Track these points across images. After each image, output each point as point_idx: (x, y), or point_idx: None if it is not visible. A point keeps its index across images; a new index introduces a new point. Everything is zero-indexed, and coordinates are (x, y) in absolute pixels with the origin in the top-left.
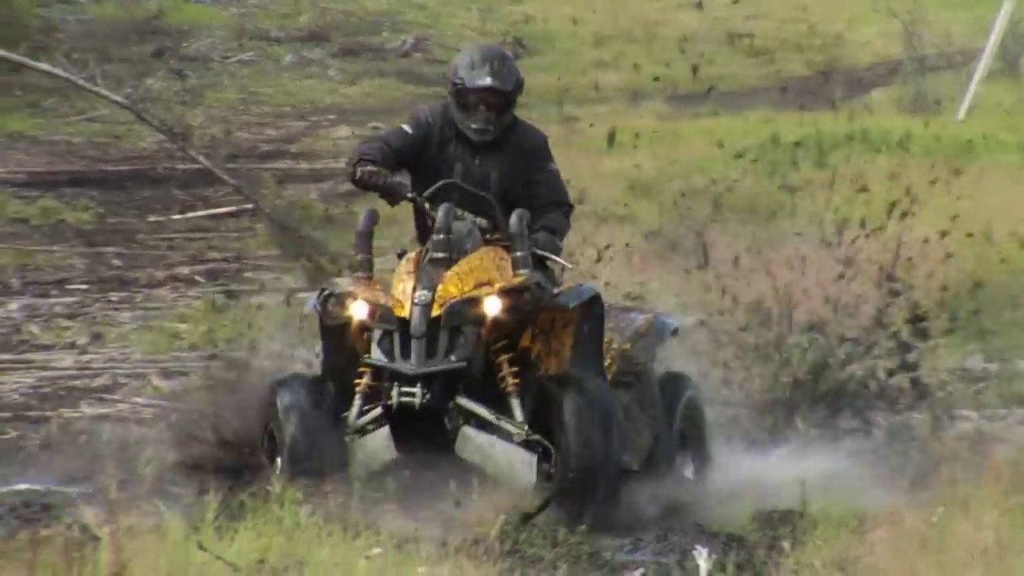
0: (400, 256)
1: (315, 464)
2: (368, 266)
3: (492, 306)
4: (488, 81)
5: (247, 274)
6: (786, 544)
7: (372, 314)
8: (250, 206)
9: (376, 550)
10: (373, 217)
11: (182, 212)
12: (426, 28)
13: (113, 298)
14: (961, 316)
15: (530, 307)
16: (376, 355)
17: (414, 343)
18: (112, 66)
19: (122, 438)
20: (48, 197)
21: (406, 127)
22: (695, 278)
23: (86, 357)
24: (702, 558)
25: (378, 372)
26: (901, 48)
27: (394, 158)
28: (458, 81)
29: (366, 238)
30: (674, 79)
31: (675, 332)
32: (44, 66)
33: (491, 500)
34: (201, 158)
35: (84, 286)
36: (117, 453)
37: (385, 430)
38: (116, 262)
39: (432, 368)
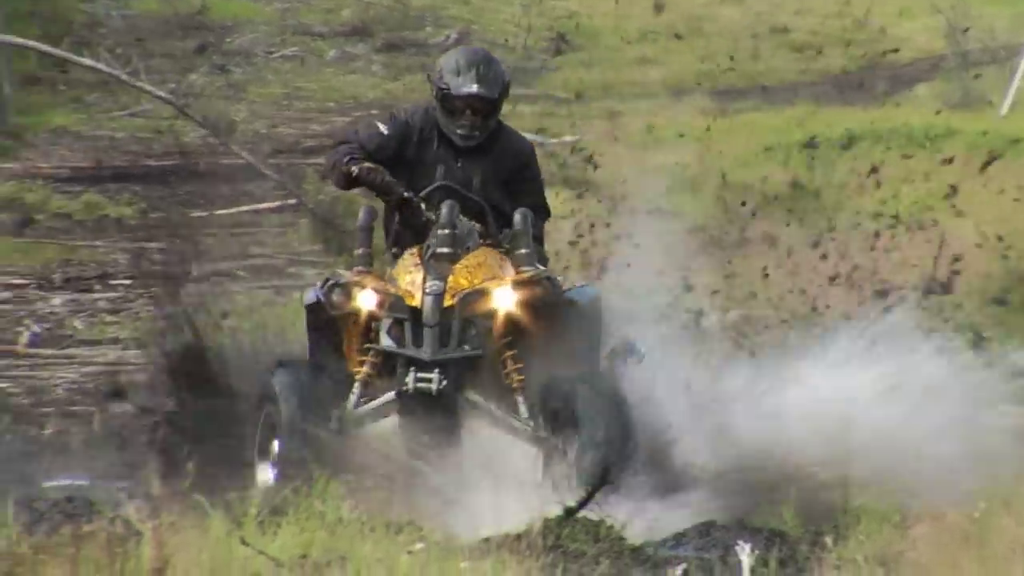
0: (394, 258)
1: (314, 446)
2: (368, 260)
3: (505, 298)
4: (474, 88)
5: (290, 269)
6: (828, 539)
7: (382, 303)
8: (293, 201)
9: (418, 545)
10: (372, 213)
11: (225, 207)
12: (469, 23)
13: (156, 293)
14: (1005, 310)
15: (542, 301)
16: (386, 343)
17: (427, 332)
18: (155, 61)
19: (165, 433)
20: (91, 192)
21: (382, 127)
22: (737, 272)
23: (129, 352)
24: (744, 553)
25: (387, 360)
26: (944, 43)
27: (369, 158)
28: (443, 86)
29: (366, 233)
30: (717, 74)
31: (641, 359)
32: (87, 61)
33: (534, 495)
34: (244, 153)
35: (127, 281)
36: (160, 448)
37: (394, 418)
38: (159, 257)
39: (450, 354)
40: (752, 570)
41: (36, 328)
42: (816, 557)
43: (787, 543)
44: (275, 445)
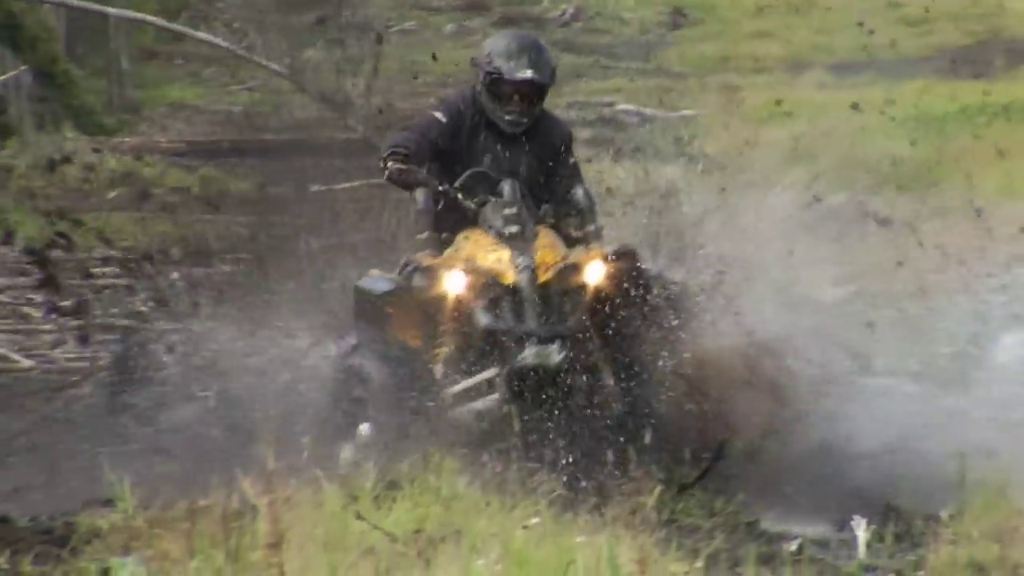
0: (444, 243)
1: (413, 426)
2: (435, 243)
3: (597, 271)
4: (529, 74)
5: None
6: (944, 514)
7: (474, 284)
8: None
9: (534, 520)
10: (428, 195)
11: (342, 182)
12: None
13: (273, 268)
14: None
15: (628, 274)
16: (485, 322)
17: (530, 307)
18: (272, 36)
19: (282, 409)
20: (209, 166)
21: (438, 115)
22: (853, 247)
23: (247, 327)
24: (860, 528)
25: (488, 339)
26: None
27: (429, 148)
28: (493, 71)
29: (429, 216)
30: (834, 49)
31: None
32: (204, 36)
33: (648, 470)
34: (361, 128)
35: (244, 255)
36: (276, 424)
37: (494, 397)
38: (276, 232)
39: (564, 327)
40: (867, 545)
41: (151, 304)
42: (931, 532)
43: (902, 518)
44: (363, 428)
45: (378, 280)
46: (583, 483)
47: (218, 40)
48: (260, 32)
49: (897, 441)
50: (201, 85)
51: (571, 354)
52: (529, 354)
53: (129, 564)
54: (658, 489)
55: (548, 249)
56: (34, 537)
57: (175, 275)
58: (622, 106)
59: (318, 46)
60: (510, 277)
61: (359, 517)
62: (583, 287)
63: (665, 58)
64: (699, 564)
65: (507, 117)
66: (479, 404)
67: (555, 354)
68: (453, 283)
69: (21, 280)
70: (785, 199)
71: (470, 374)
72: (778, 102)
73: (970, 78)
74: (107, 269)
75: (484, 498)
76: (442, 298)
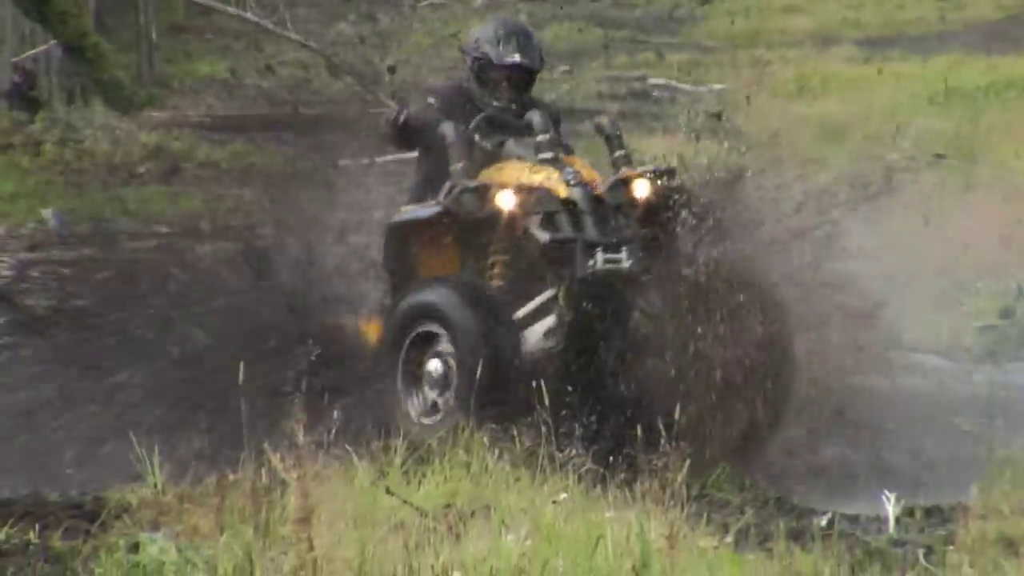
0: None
1: (489, 354)
2: (471, 172)
3: (644, 187)
4: (517, 58)
5: None
6: (973, 489)
7: (527, 200)
8: None
9: (563, 495)
10: (458, 127)
11: (372, 156)
12: None
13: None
14: None
15: (671, 192)
16: (546, 236)
17: (590, 217)
18: (302, 10)
19: (311, 384)
20: (239, 141)
21: (430, 99)
22: (885, 223)
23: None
24: (890, 503)
25: (545, 256)
26: None
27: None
28: (481, 56)
29: (461, 146)
30: (864, 23)
31: None
32: (234, 10)
33: (678, 444)
34: (391, 103)
35: (274, 230)
36: (304, 399)
37: (552, 318)
38: (306, 207)
39: (631, 234)
40: (897, 520)
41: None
42: (961, 507)
43: (932, 493)
44: (432, 364)
45: (417, 210)
46: (613, 458)
47: (248, 15)
48: (290, 6)
49: (926, 416)
50: (231, 59)
51: (639, 260)
52: (599, 259)
53: (158, 539)
54: (688, 464)
55: (587, 169)
56: (64, 512)
57: (203, 250)
58: (652, 80)
59: (349, 21)
60: (563, 191)
61: (389, 492)
62: (633, 202)
63: (695, 32)
64: (729, 539)
65: (496, 103)
66: (537, 328)
67: (625, 259)
68: (506, 200)
69: (54, 254)
70: (815, 173)
71: (528, 297)
72: (802, 77)
73: (1001, 53)
74: (137, 244)
75: (514, 473)
76: (494, 217)
